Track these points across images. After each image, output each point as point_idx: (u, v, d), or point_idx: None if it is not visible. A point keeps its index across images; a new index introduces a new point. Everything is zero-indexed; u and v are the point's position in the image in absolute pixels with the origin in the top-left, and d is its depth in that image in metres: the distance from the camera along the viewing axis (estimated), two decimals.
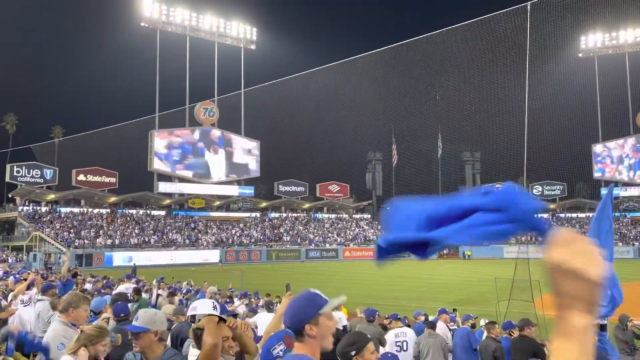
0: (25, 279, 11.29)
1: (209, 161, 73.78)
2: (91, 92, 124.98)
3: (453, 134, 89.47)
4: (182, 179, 72.06)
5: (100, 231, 60.49)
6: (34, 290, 9.77)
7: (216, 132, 75.03)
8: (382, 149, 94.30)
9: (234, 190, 75.83)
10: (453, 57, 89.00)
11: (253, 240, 68.94)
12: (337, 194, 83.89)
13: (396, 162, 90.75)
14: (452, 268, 54.58)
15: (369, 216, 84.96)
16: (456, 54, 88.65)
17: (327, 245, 71.32)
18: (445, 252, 75.44)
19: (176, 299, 14.20)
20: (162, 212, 70.54)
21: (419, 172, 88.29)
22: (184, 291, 17.22)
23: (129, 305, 7.41)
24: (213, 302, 3.83)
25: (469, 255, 69.88)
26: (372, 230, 78.52)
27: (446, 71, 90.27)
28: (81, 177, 65.81)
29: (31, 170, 64.15)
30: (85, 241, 57.14)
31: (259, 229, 72.68)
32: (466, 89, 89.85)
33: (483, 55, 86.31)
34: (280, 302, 16.06)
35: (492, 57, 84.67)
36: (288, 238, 71.46)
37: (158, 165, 70.18)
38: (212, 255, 61.15)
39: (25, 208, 61.83)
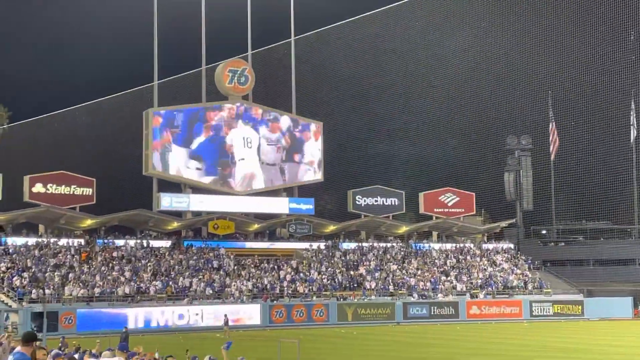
0: None
1: (241, 158, 74.76)
2: (51, 51, 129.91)
3: None
4: (198, 188, 73.45)
5: (70, 275, 62.62)
6: None
7: (251, 110, 76.11)
8: (532, 131, 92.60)
9: (282, 205, 76.55)
10: None
11: (315, 287, 69.42)
12: (454, 209, 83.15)
13: (556, 151, 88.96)
14: None
15: (511, 246, 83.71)
16: None
17: (440, 297, 70.87)
18: None
19: None
20: (167, 243, 72.19)
21: (596, 167, 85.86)
22: None
23: None
24: None
25: None
26: (517, 271, 77.10)
27: None
28: (39, 188, 68.30)
29: None
30: (47, 291, 59.46)
31: (325, 268, 73.08)
32: None
33: None
34: None
35: None
36: (373, 284, 71.46)
37: (159, 165, 71.84)
38: (249, 312, 62.23)
39: None
